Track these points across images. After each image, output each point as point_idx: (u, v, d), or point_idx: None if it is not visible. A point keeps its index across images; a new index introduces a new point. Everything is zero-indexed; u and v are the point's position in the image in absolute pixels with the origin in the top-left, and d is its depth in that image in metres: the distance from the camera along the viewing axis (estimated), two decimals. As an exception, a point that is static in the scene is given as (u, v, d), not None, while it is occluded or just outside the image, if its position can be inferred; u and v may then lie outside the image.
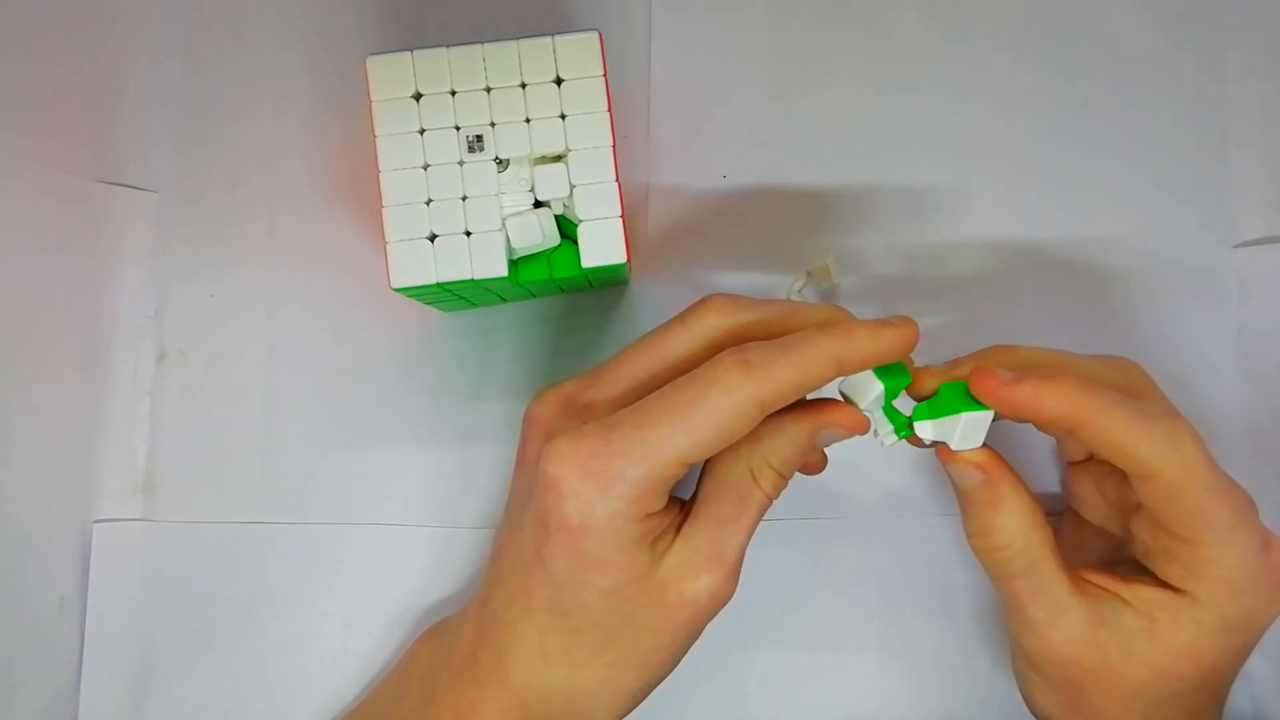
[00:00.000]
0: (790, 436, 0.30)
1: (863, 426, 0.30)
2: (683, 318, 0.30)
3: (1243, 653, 0.30)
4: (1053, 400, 0.28)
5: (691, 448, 0.27)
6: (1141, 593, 0.30)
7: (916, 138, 0.38)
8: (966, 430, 0.29)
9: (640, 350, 0.30)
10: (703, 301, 0.30)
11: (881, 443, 0.31)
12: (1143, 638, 0.29)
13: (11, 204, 0.35)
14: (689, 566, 0.29)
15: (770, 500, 0.30)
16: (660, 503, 0.28)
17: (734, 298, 0.30)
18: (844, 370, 0.28)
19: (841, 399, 0.31)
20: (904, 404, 0.31)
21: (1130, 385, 0.31)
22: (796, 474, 0.31)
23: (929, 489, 0.37)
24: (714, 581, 0.29)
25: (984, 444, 0.30)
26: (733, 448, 0.29)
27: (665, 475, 0.28)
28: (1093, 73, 0.38)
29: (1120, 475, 0.30)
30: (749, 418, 0.27)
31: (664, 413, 0.27)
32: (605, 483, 0.27)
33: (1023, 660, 0.32)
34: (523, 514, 0.30)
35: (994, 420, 0.29)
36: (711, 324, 0.30)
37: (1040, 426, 0.29)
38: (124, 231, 0.38)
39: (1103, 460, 0.30)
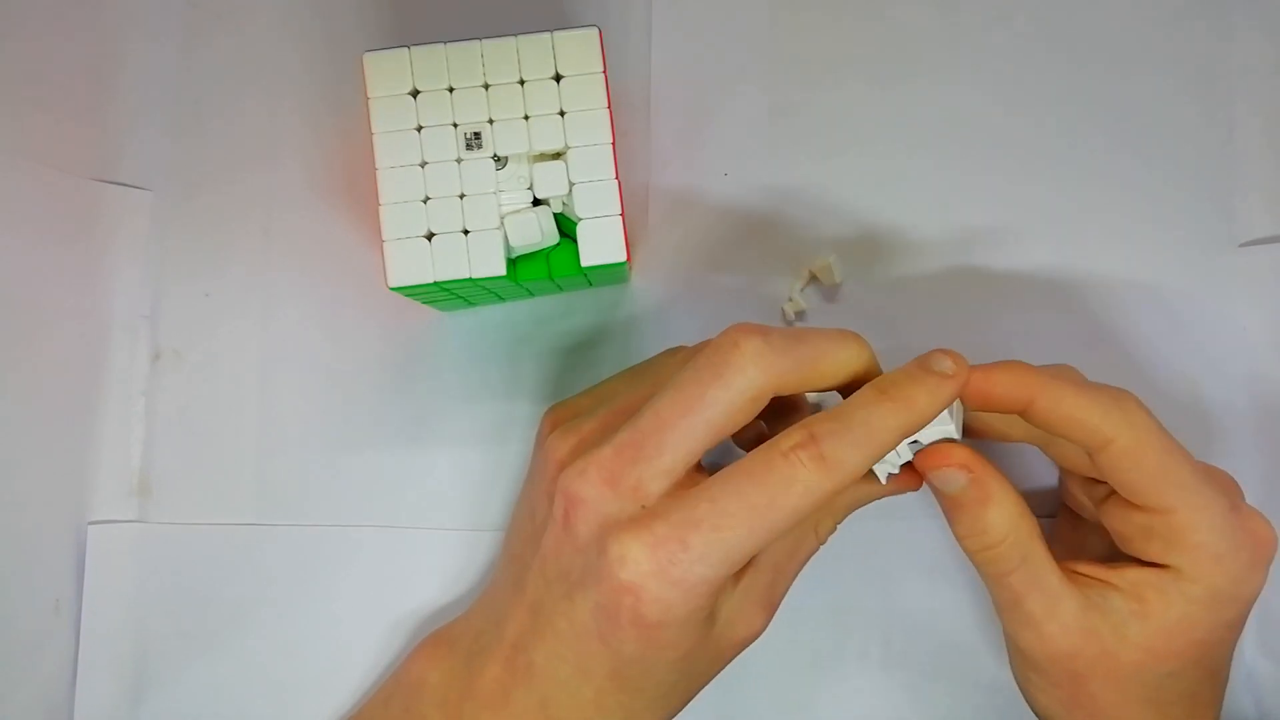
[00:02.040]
0: (855, 498, 0.31)
1: (918, 485, 0.31)
2: (718, 370, 0.28)
3: (1234, 627, 0.30)
4: (1002, 379, 0.29)
5: (769, 542, 0.28)
6: (1128, 575, 0.30)
7: (918, 134, 0.38)
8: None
9: (680, 411, 0.28)
10: (734, 345, 0.28)
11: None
12: (1134, 619, 0.29)
13: (3, 201, 0.35)
14: (743, 615, 0.30)
15: (821, 545, 0.32)
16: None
17: (765, 338, 0.28)
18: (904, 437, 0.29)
19: None
20: None
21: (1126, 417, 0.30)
22: None
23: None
24: (762, 622, 0.31)
25: (962, 444, 0.30)
26: None
27: (739, 567, 0.28)
28: (1096, 69, 0.38)
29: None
30: (821, 506, 0.28)
31: (742, 514, 0.27)
32: (686, 588, 0.27)
33: (1022, 661, 0.32)
34: (574, 590, 0.29)
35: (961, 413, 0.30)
36: (752, 379, 0.28)
37: (1001, 409, 0.29)
38: (118, 230, 0.38)
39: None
